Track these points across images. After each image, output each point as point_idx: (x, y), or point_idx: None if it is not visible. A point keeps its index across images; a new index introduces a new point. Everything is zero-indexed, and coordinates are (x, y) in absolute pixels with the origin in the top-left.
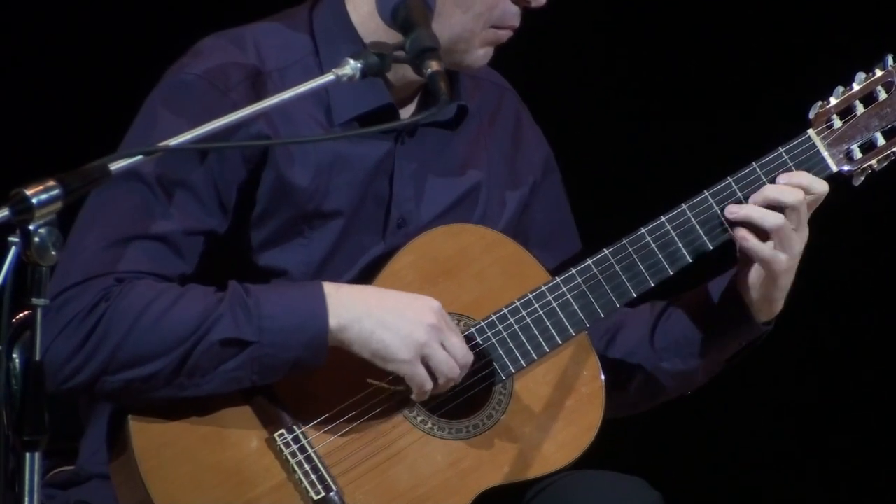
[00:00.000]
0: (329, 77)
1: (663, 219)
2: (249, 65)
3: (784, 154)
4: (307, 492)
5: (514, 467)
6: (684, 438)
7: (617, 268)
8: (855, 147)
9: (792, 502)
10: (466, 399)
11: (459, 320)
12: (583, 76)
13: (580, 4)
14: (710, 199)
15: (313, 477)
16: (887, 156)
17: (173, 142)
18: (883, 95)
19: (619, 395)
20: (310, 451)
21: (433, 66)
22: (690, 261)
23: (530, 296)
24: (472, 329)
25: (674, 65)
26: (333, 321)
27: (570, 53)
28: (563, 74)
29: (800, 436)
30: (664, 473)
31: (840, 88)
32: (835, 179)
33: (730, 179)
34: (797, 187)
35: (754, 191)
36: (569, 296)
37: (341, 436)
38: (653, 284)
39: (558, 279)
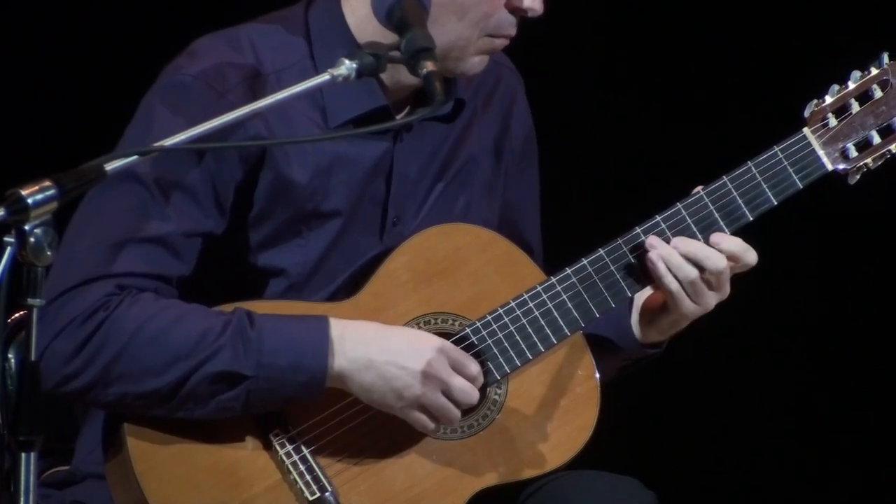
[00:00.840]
0: (324, 77)
1: (658, 218)
2: (247, 66)
3: (779, 153)
4: (302, 492)
5: (509, 467)
6: (678, 439)
7: (612, 267)
8: (850, 145)
9: (787, 502)
10: None
11: (454, 320)
12: (579, 76)
13: (577, 5)
14: (704, 197)
15: (308, 477)
16: (882, 154)
17: (169, 142)
18: (878, 94)
19: None
20: (305, 451)
21: (428, 66)
22: None
23: (525, 295)
24: (467, 329)
25: (669, 64)
26: (334, 369)
27: (568, 54)
28: (560, 74)
29: (795, 436)
30: (658, 474)
31: (835, 87)
32: (830, 178)
33: (725, 178)
34: (726, 255)
35: (748, 191)
36: (564, 295)
37: (336, 436)
38: (647, 284)
39: (553, 279)
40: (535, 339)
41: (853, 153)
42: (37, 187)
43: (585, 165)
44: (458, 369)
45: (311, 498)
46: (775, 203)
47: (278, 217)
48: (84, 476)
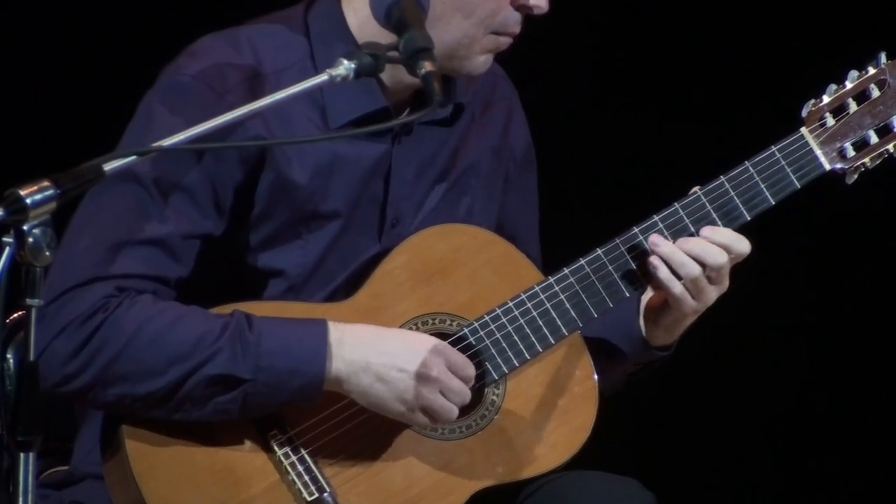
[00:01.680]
0: (323, 77)
1: (656, 218)
2: (246, 67)
3: (777, 153)
4: (301, 493)
5: (507, 467)
6: (678, 439)
7: (610, 267)
8: (848, 145)
9: (787, 502)
10: None
11: (452, 320)
12: (577, 76)
13: (576, 5)
14: (702, 197)
15: (307, 478)
16: (880, 154)
17: (168, 142)
18: (876, 93)
19: None
20: (303, 451)
21: (427, 66)
22: None
23: (523, 296)
24: (465, 329)
25: (666, 64)
26: (331, 372)
27: (566, 54)
28: (558, 74)
29: (794, 436)
30: (657, 474)
31: (833, 86)
32: (828, 178)
33: (722, 178)
34: (722, 248)
35: (745, 191)
36: (562, 296)
37: (335, 437)
38: (646, 284)
39: (551, 279)
40: (533, 339)
41: (851, 153)
42: (35, 187)
43: (583, 166)
44: (454, 371)
45: (309, 498)
46: (773, 203)
47: (278, 218)
48: (83, 476)
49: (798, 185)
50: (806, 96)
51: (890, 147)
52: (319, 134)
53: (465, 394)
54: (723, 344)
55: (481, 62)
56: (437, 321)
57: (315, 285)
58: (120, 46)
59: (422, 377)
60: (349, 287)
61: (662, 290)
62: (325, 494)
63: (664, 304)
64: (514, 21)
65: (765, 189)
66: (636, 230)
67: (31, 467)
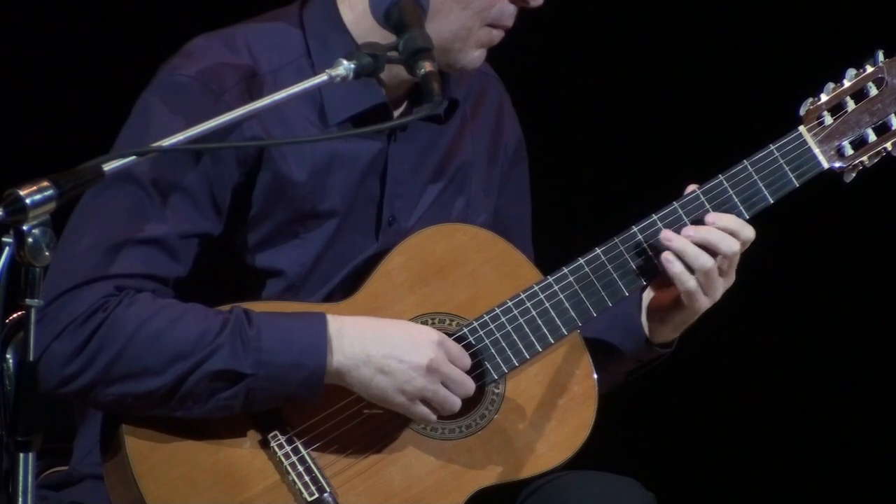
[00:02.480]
0: (322, 78)
1: (655, 217)
2: (243, 67)
3: (775, 151)
4: (301, 493)
5: (507, 467)
6: (677, 439)
7: (609, 266)
8: (846, 144)
9: (787, 502)
10: None
11: (452, 320)
12: (575, 74)
13: (575, 5)
14: (701, 196)
15: (307, 478)
16: (878, 152)
17: (167, 143)
18: (873, 91)
19: None
20: (303, 451)
21: (426, 66)
22: None
23: (522, 295)
24: (465, 329)
25: (664, 63)
26: (332, 365)
27: (564, 54)
28: (556, 73)
29: (794, 436)
30: (657, 474)
31: (830, 85)
32: (826, 176)
33: (721, 177)
34: (731, 235)
35: (744, 190)
36: (561, 295)
37: (335, 437)
38: (645, 283)
39: (550, 278)
40: (533, 338)
41: (849, 151)
42: (35, 188)
43: (581, 165)
44: (453, 360)
45: (309, 498)
46: (771, 201)
47: (276, 218)
48: (82, 477)
49: (797, 184)
50: (804, 95)
51: (888, 145)
52: (317, 132)
53: (468, 384)
54: (722, 343)
55: (476, 56)
56: (436, 321)
57: (313, 285)
58: (119, 46)
59: (423, 368)
60: (347, 286)
61: (675, 286)
62: (326, 494)
63: (674, 302)
64: (508, 14)
65: (763, 188)
66: (635, 229)
67: (30, 467)
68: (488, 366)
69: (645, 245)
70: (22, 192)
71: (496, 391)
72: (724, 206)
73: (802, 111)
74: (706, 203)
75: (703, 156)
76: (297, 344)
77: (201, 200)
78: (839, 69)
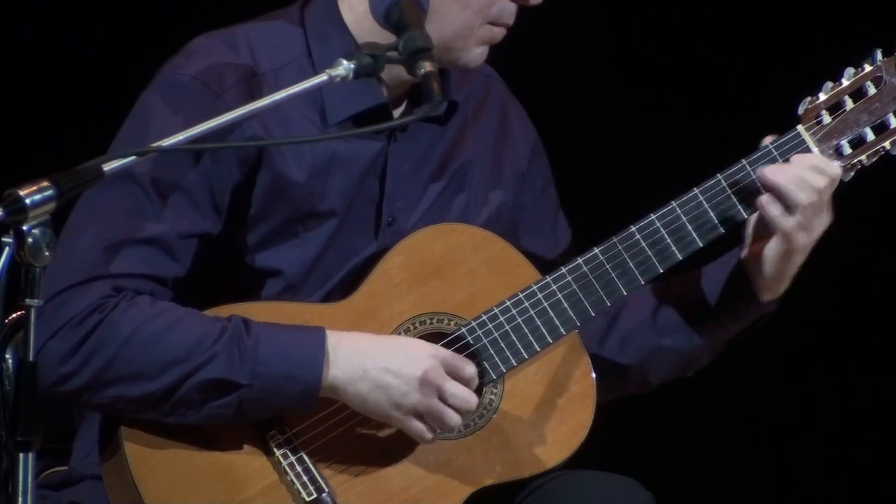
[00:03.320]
0: (322, 78)
1: (653, 216)
2: (244, 66)
3: (774, 150)
4: (299, 493)
5: (506, 467)
6: (677, 439)
7: (607, 266)
8: (844, 143)
9: (786, 502)
10: None
11: (450, 320)
12: (575, 73)
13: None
14: (699, 196)
15: (305, 478)
16: (877, 151)
17: (167, 142)
18: (872, 90)
19: (620, 376)
20: (302, 452)
21: (426, 66)
22: (681, 258)
23: (521, 295)
24: (463, 329)
25: (664, 62)
26: (328, 380)
27: (565, 52)
28: (556, 72)
29: (794, 436)
30: (656, 474)
31: (829, 84)
32: None
33: (719, 176)
34: (818, 171)
35: (743, 189)
36: (559, 295)
37: (333, 437)
38: (643, 282)
39: (549, 278)
40: (531, 338)
41: (847, 150)
42: (35, 188)
43: (580, 165)
44: (453, 373)
45: (307, 499)
46: None
47: (275, 218)
48: (81, 477)
49: None
50: (802, 94)
51: (886, 144)
52: (317, 132)
53: (469, 398)
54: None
55: (478, 54)
56: (434, 321)
57: (312, 284)
58: (119, 46)
59: (419, 381)
60: (346, 286)
61: (772, 230)
62: (324, 495)
63: (773, 252)
64: (509, 12)
65: (762, 187)
66: (633, 228)
67: (30, 467)
68: (486, 366)
69: (644, 244)
70: (22, 192)
71: (495, 391)
72: (723, 206)
73: (801, 110)
74: (705, 202)
75: (701, 155)
76: (294, 357)
77: (201, 200)
78: (838, 68)
